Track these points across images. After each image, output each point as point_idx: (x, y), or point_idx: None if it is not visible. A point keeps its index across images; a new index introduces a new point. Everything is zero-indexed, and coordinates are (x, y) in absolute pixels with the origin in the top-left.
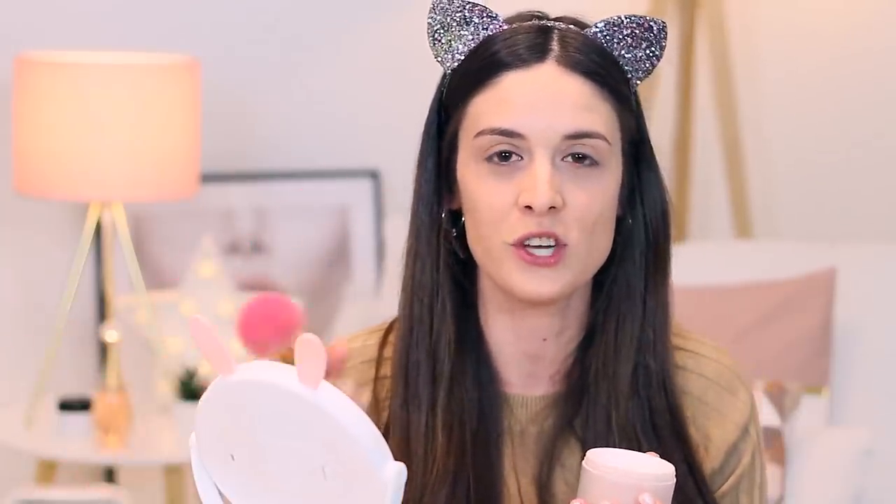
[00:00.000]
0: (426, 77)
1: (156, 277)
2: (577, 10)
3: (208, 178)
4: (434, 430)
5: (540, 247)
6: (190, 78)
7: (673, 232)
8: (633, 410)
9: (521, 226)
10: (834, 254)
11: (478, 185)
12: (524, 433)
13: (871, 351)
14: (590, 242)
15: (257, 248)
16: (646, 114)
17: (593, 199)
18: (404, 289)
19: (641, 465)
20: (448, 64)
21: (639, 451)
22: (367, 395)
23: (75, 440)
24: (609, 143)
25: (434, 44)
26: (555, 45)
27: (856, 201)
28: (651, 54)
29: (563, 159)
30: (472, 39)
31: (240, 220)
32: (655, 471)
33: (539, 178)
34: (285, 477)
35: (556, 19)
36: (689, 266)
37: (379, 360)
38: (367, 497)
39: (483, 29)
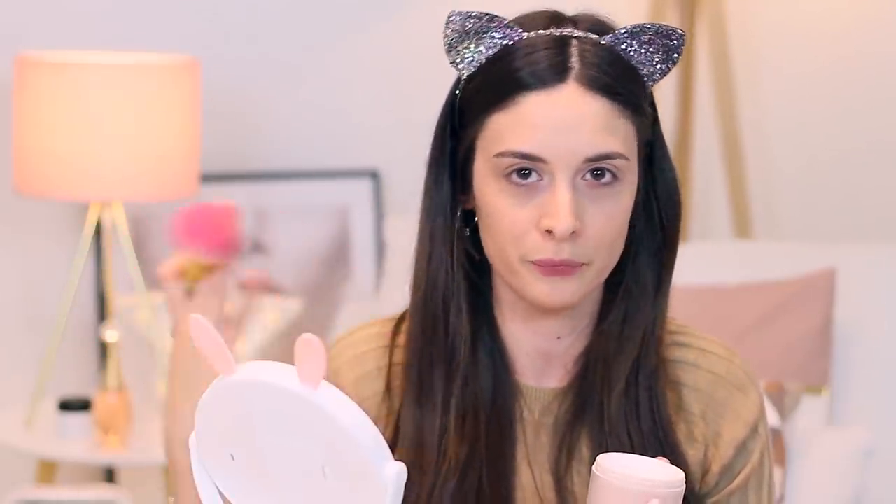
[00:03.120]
0: (426, 77)
1: (156, 277)
2: (571, 11)
3: (208, 178)
4: (447, 425)
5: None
6: (190, 78)
7: (682, 228)
8: (625, 404)
9: (542, 249)
10: (834, 254)
11: (497, 201)
12: (539, 425)
13: (871, 351)
14: (607, 257)
15: (257, 248)
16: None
17: (611, 220)
18: (417, 288)
19: (651, 471)
20: (464, 69)
21: (629, 446)
22: (379, 383)
23: (75, 440)
24: (628, 160)
25: (450, 51)
26: (574, 63)
27: (856, 201)
28: (667, 58)
29: (582, 177)
30: (490, 48)
31: (240, 220)
32: (664, 477)
33: (561, 203)
34: (285, 477)
35: (574, 22)
36: (689, 266)
37: (392, 348)
38: (367, 497)
39: (502, 39)
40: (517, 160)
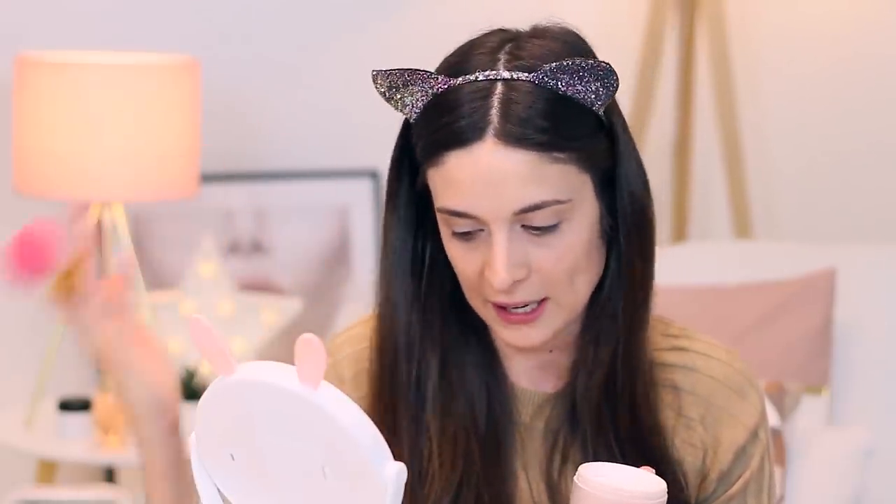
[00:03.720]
0: None
1: (156, 277)
2: (571, 12)
3: (208, 178)
4: (430, 450)
5: (516, 308)
6: (190, 78)
7: (653, 246)
8: (608, 421)
9: (493, 294)
10: (834, 254)
11: (451, 249)
12: (531, 429)
13: (871, 351)
14: (570, 288)
15: (257, 248)
16: (624, 124)
17: (562, 259)
18: (377, 330)
19: (632, 481)
20: (408, 115)
21: (618, 455)
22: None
23: (75, 440)
24: (567, 202)
25: (388, 102)
26: (494, 115)
27: (856, 201)
28: (607, 84)
29: (521, 226)
30: (423, 95)
31: (240, 220)
32: (645, 488)
33: (496, 257)
34: (285, 477)
35: (513, 54)
36: (689, 266)
37: None
38: (367, 497)
39: (430, 88)
40: (452, 217)
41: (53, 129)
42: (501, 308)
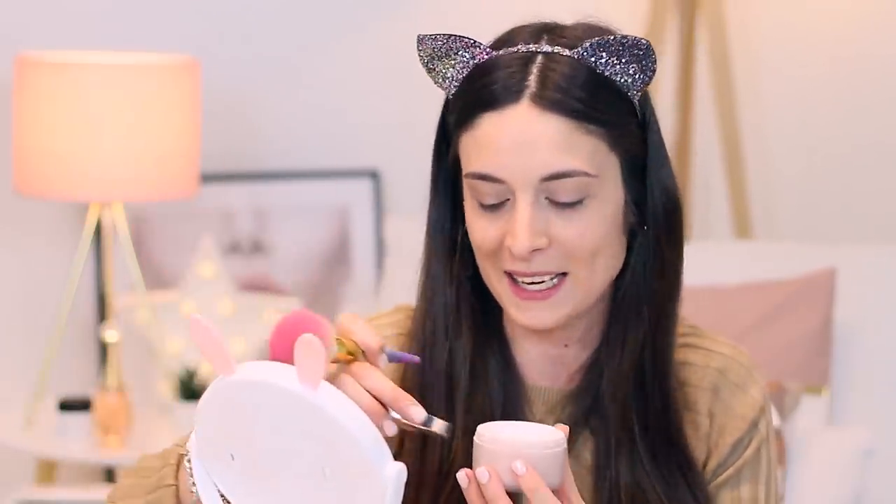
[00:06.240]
0: (426, 77)
1: (156, 277)
2: (580, 11)
3: (208, 178)
4: (451, 440)
5: (533, 283)
6: (190, 78)
7: (683, 239)
8: (633, 414)
9: (510, 262)
10: (834, 254)
11: (473, 220)
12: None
13: (871, 351)
14: (591, 269)
15: (257, 248)
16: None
17: (584, 233)
18: (418, 308)
19: (522, 434)
20: (447, 90)
21: (640, 456)
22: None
23: (75, 440)
24: (594, 176)
25: (429, 73)
26: (531, 82)
27: (856, 201)
28: (644, 67)
29: (545, 197)
30: (463, 67)
31: (240, 220)
32: (531, 438)
33: (518, 223)
34: (285, 477)
35: (557, 36)
36: (689, 266)
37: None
38: (367, 497)
39: (471, 58)
40: (479, 182)
41: (53, 129)
42: (516, 283)
